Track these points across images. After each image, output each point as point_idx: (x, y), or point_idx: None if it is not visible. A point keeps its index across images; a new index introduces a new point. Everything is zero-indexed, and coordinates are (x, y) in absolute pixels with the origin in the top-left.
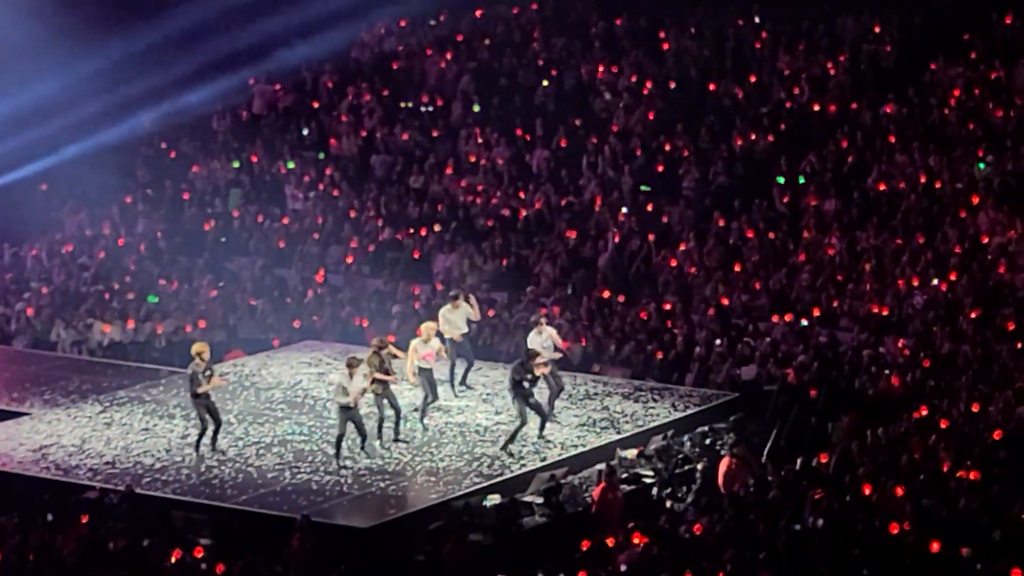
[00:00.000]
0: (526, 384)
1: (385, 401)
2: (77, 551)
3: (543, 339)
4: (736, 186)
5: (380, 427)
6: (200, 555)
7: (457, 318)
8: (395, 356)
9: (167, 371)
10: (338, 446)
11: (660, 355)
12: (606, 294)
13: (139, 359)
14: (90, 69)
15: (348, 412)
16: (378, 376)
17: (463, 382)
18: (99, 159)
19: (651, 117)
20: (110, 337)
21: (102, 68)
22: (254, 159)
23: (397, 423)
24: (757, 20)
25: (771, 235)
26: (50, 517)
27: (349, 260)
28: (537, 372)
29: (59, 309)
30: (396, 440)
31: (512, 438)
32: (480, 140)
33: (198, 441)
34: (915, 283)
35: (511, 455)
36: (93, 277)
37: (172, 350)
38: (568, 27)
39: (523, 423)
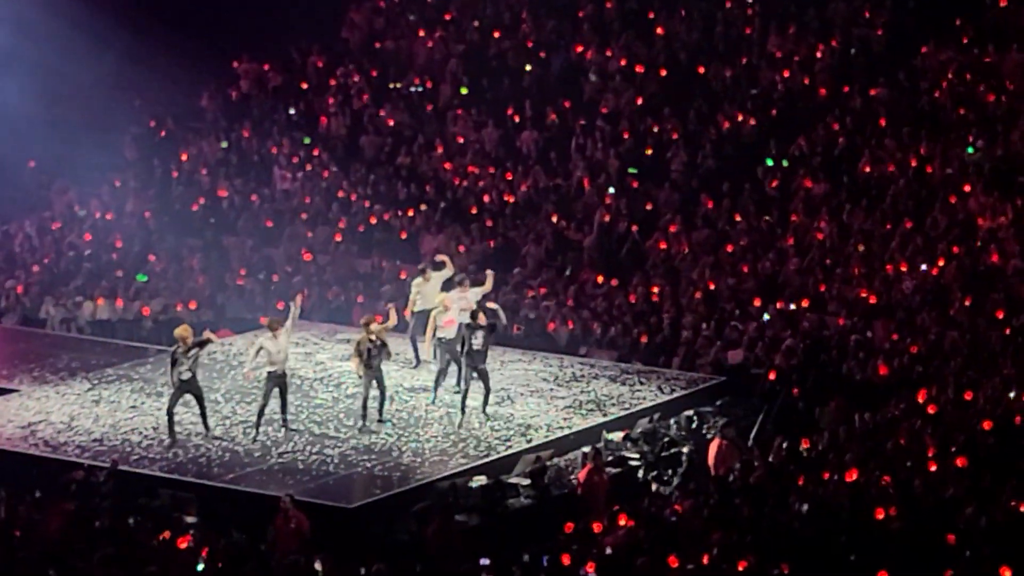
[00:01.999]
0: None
1: (372, 381)
2: (63, 528)
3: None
4: (724, 169)
5: (364, 406)
6: (186, 543)
7: (429, 291)
8: (384, 330)
9: (155, 349)
10: (259, 416)
11: (646, 338)
12: (596, 277)
13: (127, 337)
14: (77, 46)
15: (277, 379)
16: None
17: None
18: (88, 137)
19: (640, 100)
20: (99, 315)
21: (89, 45)
22: (244, 138)
23: (381, 404)
24: (748, 2)
25: (760, 219)
26: (38, 494)
27: (337, 239)
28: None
29: (48, 287)
30: (380, 421)
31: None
32: (469, 121)
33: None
34: (904, 268)
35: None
36: (82, 255)
37: (160, 329)
38: (558, 9)
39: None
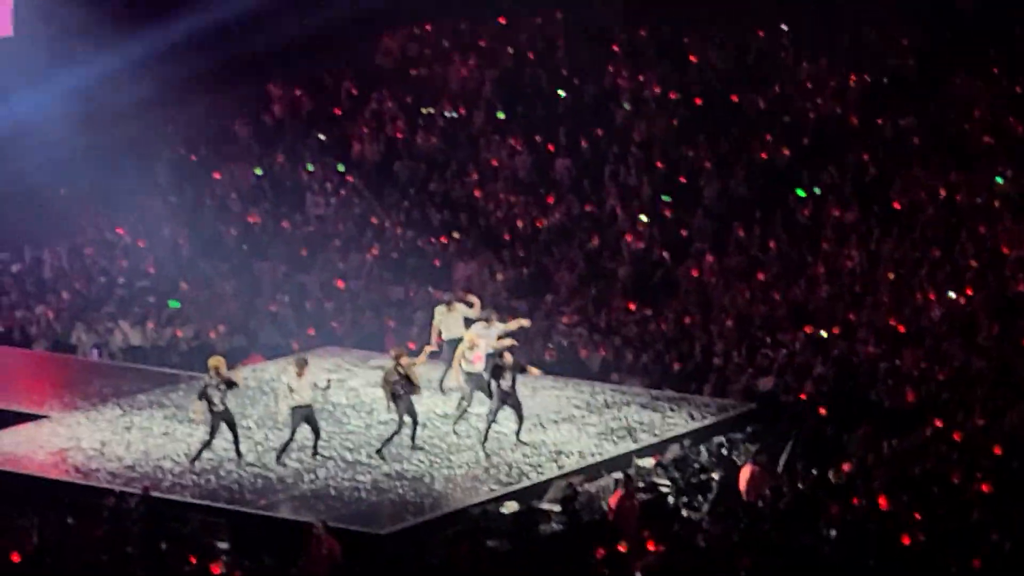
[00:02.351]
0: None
1: (405, 414)
2: (95, 554)
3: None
4: (756, 197)
5: (391, 437)
6: (218, 569)
7: (451, 322)
8: (413, 364)
9: (187, 376)
10: (284, 447)
11: (678, 365)
12: (628, 304)
13: (159, 363)
14: (110, 71)
15: (302, 413)
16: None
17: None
18: (120, 162)
19: (673, 127)
20: (130, 341)
21: (122, 70)
22: (276, 163)
23: (413, 431)
24: (782, 30)
25: (791, 246)
26: (69, 520)
27: (369, 266)
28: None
29: (80, 312)
30: (412, 448)
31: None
32: (502, 148)
33: (200, 450)
34: (932, 296)
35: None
36: (114, 281)
37: (192, 355)
38: (592, 36)
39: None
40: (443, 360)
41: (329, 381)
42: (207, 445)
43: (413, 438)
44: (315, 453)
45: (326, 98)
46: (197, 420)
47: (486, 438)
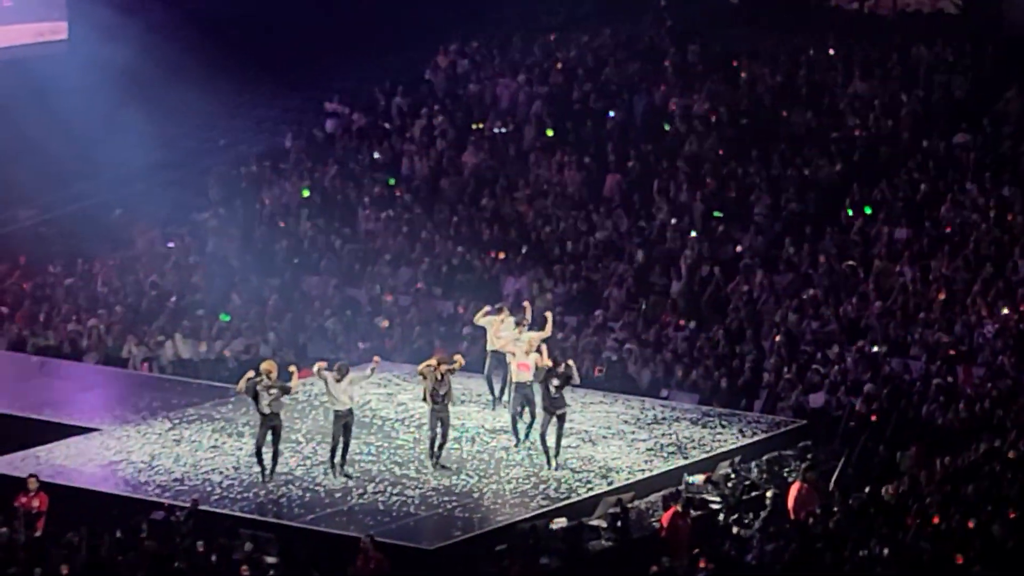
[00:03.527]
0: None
1: (438, 421)
2: (143, 568)
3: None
4: (807, 213)
5: (432, 445)
6: None
7: (504, 331)
8: (451, 371)
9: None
10: (332, 455)
11: (728, 381)
12: (678, 320)
13: (209, 377)
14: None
15: (341, 418)
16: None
17: (500, 396)
18: (172, 177)
19: (723, 143)
20: (181, 355)
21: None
22: (327, 178)
23: (441, 446)
24: (831, 49)
25: (842, 263)
26: (118, 534)
27: (418, 281)
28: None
29: (131, 326)
30: (435, 465)
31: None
32: (551, 164)
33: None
34: (985, 313)
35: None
36: (164, 295)
37: (242, 369)
38: (641, 53)
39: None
40: (485, 374)
41: (373, 368)
42: (260, 453)
43: (439, 453)
44: (343, 463)
45: (377, 114)
46: (239, 390)
47: (547, 453)
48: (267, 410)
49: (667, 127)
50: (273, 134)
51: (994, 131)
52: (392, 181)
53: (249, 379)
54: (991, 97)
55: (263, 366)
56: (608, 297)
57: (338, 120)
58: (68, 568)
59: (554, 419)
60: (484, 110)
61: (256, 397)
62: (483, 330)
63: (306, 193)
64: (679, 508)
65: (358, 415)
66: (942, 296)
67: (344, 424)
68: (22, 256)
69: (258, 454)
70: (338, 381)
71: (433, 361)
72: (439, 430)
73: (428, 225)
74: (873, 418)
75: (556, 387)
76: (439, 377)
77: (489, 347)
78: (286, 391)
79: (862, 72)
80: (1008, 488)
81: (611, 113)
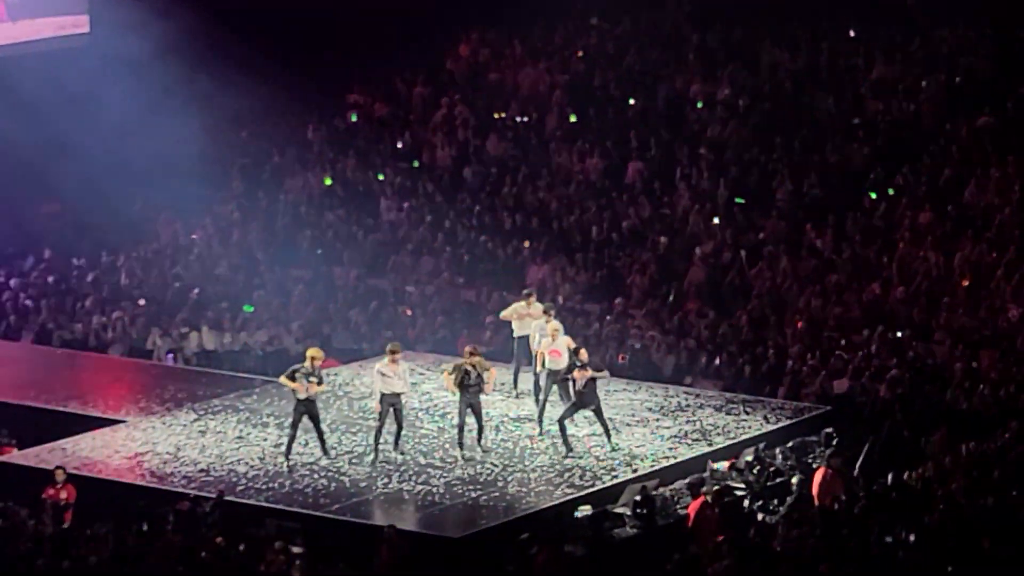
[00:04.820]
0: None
1: (468, 408)
2: (169, 559)
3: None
4: (830, 198)
5: (460, 433)
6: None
7: (527, 318)
8: (485, 368)
9: (261, 380)
10: (376, 439)
11: (752, 368)
12: (702, 306)
13: (233, 368)
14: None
15: (389, 401)
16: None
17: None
18: (194, 169)
19: (745, 129)
20: (205, 346)
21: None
22: (349, 168)
23: (479, 434)
24: (852, 32)
25: (865, 248)
26: (144, 525)
27: (442, 270)
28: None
29: (155, 318)
30: (482, 450)
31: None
32: (573, 152)
33: (288, 449)
34: (1009, 297)
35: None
36: (188, 286)
37: (266, 359)
38: (662, 39)
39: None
40: (512, 362)
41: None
42: (293, 440)
43: (480, 441)
44: (396, 446)
45: (399, 103)
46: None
47: (566, 442)
48: (302, 395)
49: (689, 114)
50: (295, 125)
51: (1017, 114)
52: (416, 164)
53: (290, 373)
54: (1015, 79)
55: (310, 352)
56: (631, 284)
57: (359, 110)
58: (96, 559)
59: (589, 413)
60: (506, 99)
61: (292, 378)
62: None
63: (328, 182)
64: (708, 499)
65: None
66: (966, 282)
67: (392, 406)
68: (47, 249)
69: (290, 441)
70: (392, 363)
71: (466, 352)
72: (469, 418)
73: (450, 214)
74: (901, 421)
75: (583, 381)
76: (469, 368)
77: (516, 334)
78: (321, 381)
79: (884, 56)
80: None
81: (631, 101)
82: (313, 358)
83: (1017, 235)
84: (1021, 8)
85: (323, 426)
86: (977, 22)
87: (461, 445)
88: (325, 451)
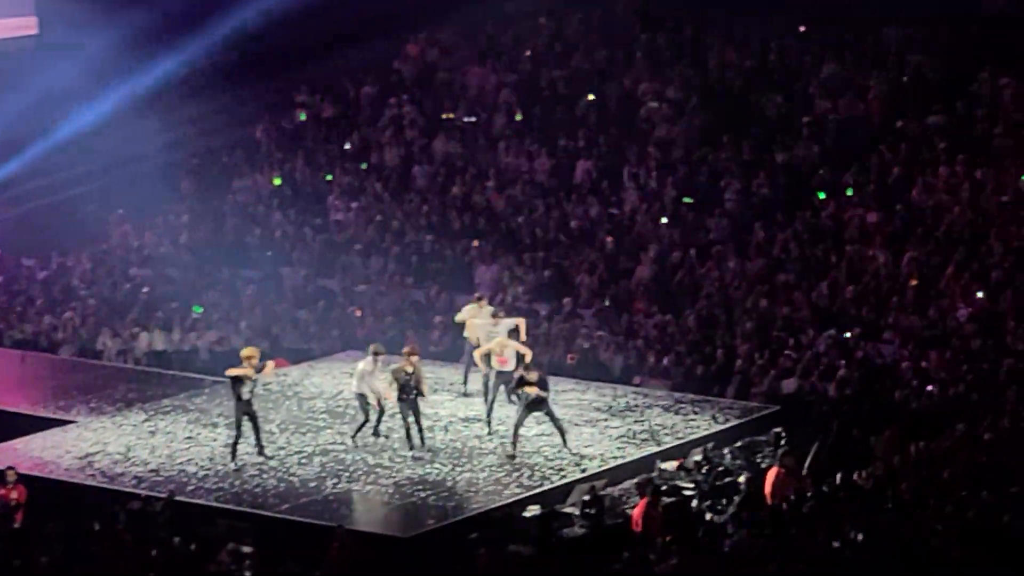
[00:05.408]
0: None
1: (409, 411)
2: (120, 558)
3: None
4: (778, 198)
5: (408, 435)
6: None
7: (478, 322)
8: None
9: (211, 380)
10: (408, 435)
11: (700, 367)
12: (650, 306)
13: (183, 368)
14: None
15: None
16: (381, 387)
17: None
18: (144, 170)
19: (693, 128)
20: (155, 346)
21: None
22: (297, 169)
23: (420, 432)
24: (801, 30)
25: (813, 247)
26: (96, 525)
27: (390, 270)
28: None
29: (105, 318)
30: (417, 448)
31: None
32: (521, 151)
33: (233, 448)
34: (959, 296)
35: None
36: (138, 287)
37: (216, 360)
38: (610, 38)
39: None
40: (462, 362)
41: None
42: (238, 440)
43: (422, 440)
44: (421, 442)
45: (347, 103)
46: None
47: (514, 445)
48: (247, 395)
49: (637, 113)
50: (243, 125)
51: (967, 113)
52: (364, 166)
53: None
54: (964, 78)
55: (243, 352)
56: (579, 284)
57: (308, 110)
58: (46, 560)
59: (547, 419)
60: (454, 99)
61: (241, 382)
62: (453, 319)
63: (278, 182)
64: (651, 500)
65: (332, 405)
66: (914, 282)
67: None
68: None
69: (236, 442)
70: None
71: (404, 352)
72: (411, 419)
73: (399, 214)
74: (849, 421)
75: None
76: (409, 371)
77: (467, 335)
78: (260, 369)
79: (833, 54)
80: (983, 472)
81: (591, 96)
82: (248, 358)
83: (966, 234)
84: (970, 6)
85: (269, 426)
86: (926, 21)
87: (412, 446)
88: (261, 451)
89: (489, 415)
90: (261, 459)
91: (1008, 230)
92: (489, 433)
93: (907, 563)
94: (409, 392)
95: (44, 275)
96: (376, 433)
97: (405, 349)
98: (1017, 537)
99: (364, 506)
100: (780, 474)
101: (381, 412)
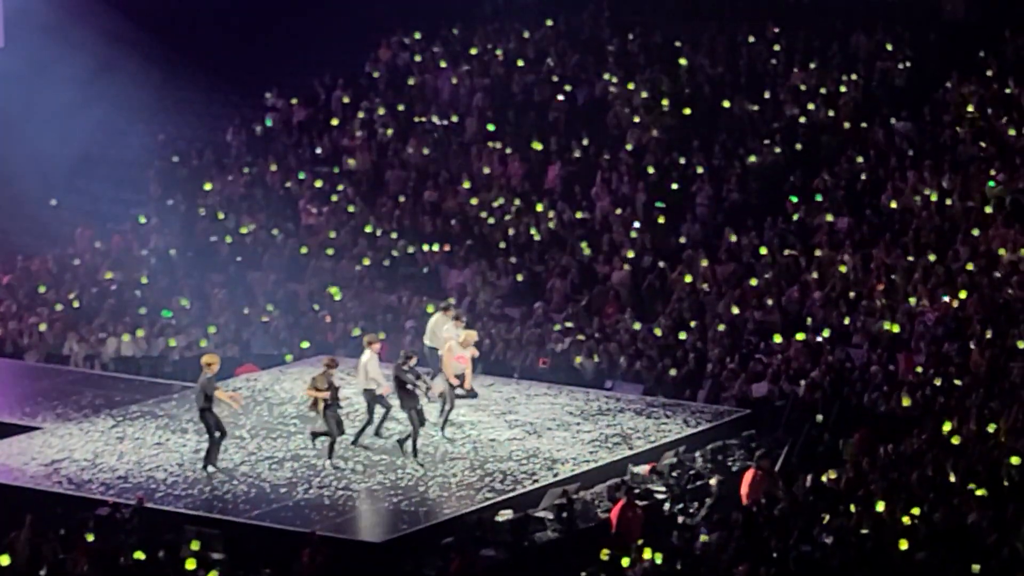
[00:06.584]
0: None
1: (334, 422)
2: (88, 565)
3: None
4: (749, 203)
5: (332, 448)
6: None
7: (442, 329)
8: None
9: (180, 386)
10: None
11: (672, 371)
12: (622, 310)
13: (152, 374)
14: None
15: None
16: (314, 394)
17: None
18: (112, 173)
19: (665, 133)
20: (123, 352)
21: (118, 83)
22: (268, 172)
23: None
24: (772, 36)
25: (784, 252)
26: (62, 532)
27: (361, 275)
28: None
29: (72, 323)
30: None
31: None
32: (494, 156)
33: (207, 455)
34: (926, 300)
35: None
36: (106, 291)
37: (185, 365)
38: (582, 43)
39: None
40: (429, 368)
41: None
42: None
43: (331, 451)
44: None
45: (318, 107)
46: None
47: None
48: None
49: (608, 118)
50: (213, 128)
51: (934, 119)
52: (336, 170)
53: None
54: (931, 84)
55: (205, 359)
56: (551, 288)
57: (278, 114)
58: (12, 567)
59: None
60: (426, 102)
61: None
62: (425, 324)
63: (244, 182)
64: (627, 501)
65: (302, 411)
66: (881, 286)
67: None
68: None
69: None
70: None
71: (323, 363)
72: (336, 429)
73: (370, 218)
74: (819, 424)
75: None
76: (330, 383)
77: (427, 341)
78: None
79: (802, 60)
80: (951, 475)
81: (560, 97)
82: (209, 364)
83: (934, 238)
84: (936, 13)
85: (243, 432)
86: (894, 27)
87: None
88: (214, 460)
89: (444, 421)
90: (233, 465)
91: (974, 235)
92: (442, 436)
93: (875, 564)
94: (330, 403)
95: (8, 279)
96: (378, 433)
97: (324, 360)
98: (983, 538)
99: (336, 511)
100: (756, 476)
101: (387, 410)
